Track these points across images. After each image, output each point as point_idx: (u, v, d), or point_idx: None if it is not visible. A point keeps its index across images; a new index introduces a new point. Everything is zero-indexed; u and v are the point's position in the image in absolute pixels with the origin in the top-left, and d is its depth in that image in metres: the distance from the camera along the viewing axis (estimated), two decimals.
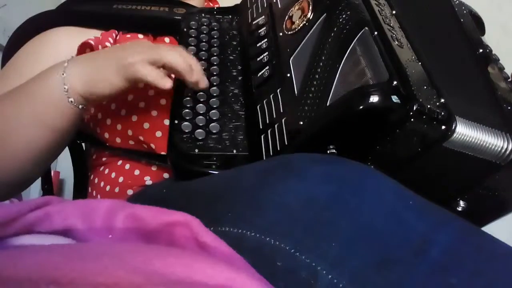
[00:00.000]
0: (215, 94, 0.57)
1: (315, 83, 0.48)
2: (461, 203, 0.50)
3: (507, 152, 0.45)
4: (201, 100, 0.56)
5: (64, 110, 0.53)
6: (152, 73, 0.51)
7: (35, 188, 0.73)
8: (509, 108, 0.52)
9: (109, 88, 0.52)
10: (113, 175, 0.62)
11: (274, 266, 0.33)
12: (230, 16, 0.69)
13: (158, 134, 0.59)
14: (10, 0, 1.36)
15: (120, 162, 0.62)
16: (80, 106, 0.53)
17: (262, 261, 0.34)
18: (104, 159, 0.64)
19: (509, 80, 0.59)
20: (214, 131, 0.53)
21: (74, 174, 0.73)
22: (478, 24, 0.67)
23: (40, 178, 0.70)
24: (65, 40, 0.63)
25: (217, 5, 0.85)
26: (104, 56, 0.54)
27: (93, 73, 0.52)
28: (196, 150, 0.51)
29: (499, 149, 0.45)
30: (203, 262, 0.29)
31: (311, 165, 0.40)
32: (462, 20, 0.61)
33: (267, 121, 0.51)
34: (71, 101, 0.52)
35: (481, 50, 0.58)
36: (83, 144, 0.73)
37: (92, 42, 0.62)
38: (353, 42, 0.47)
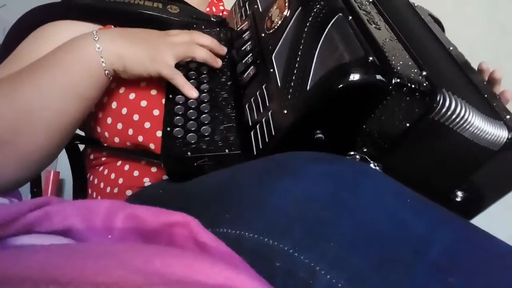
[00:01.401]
0: (205, 100, 0.59)
1: (295, 71, 0.48)
2: (459, 193, 0.50)
3: (503, 138, 0.46)
4: (192, 106, 0.58)
5: (98, 81, 0.56)
6: (181, 79, 0.58)
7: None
8: (489, 96, 0.53)
9: (143, 71, 0.57)
10: (112, 176, 0.62)
11: (273, 267, 0.33)
12: (217, 29, 0.71)
13: (159, 133, 0.59)
14: (10, 0, 1.36)
15: (119, 163, 0.62)
16: (111, 78, 0.58)
17: (261, 262, 0.34)
18: (103, 159, 0.64)
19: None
20: (206, 134, 0.54)
21: (72, 175, 0.73)
22: (440, 26, 0.68)
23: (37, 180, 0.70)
24: (66, 33, 0.63)
25: (221, 4, 0.85)
26: (139, 38, 0.59)
27: (129, 53, 0.57)
28: (189, 153, 0.52)
29: (498, 136, 0.46)
30: (203, 262, 0.29)
31: (308, 165, 0.40)
32: (429, 24, 0.63)
33: (256, 117, 0.52)
34: (107, 73, 0.56)
35: (451, 48, 0.59)
36: (80, 146, 0.73)
37: None
38: (328, 28, 0.47)
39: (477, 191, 0.52)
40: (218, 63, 0.63)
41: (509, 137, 0.46)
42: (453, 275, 0.34)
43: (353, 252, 0.34)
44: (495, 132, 0.46)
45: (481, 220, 0.50)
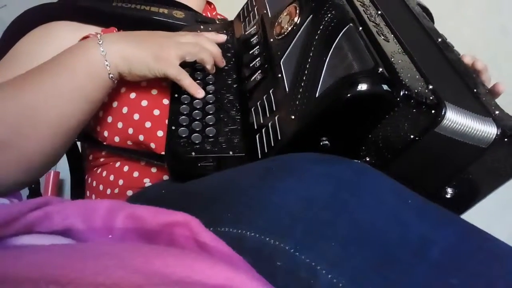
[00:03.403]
0: (211, 101, 0.59)
1: (304, 78, 0.49)
2: (449, 190, 0.51)
3: (492, 136, 0.46)
4: (197, 107, 0.58)
5: (103, 84, 0.56)
6: (187, 79, 0.57)
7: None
8: (478, 91, 0.53)
9: (147, 72, 0.57)
10: (111, 177, 0.62)
11: (274, 266, 0.33)
12: (224, 31, 0.71)
13: (160, 133, 0.59)
14: (10, 0, 1.36)
15: (118, 164, 0.62)
16: (116, 81, 0.57)
17: (262, 261, 0.34)
18: (101, 159, 0.64)
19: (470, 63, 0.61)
20: (210, 135, 0.54)
21: (70, 173, 0.73)
22: (427, 13, 0.69)
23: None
24: (67, 34, 0.63)
25: (215, 12, 0.85)
26: (143, 39, 0.58)
27: (133, 54, 0.56)
28: (193, 153, 0.52)
29: (486, 134, 0.46)
30: (203, 262, 0.29)
31: (310, 165, 0.40)
32: (416, 13, 0.63)
33: (261, 121, 0.52)
34: (111, 77, 0.56)
35: (439, 40, 0.60)
36: (78, 145, 0.73)
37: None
38: (338, 37, 0.47)
39: (467, 187, 0.53)
40: (213, 70, 0.62)
41: (498, 133, 0.46)
42: (454, 276, 0.34)
43: (354, 252, 0.34)
44: (485, 129, 0.46)
45: (481, 220, 0.50)
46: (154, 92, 0.61)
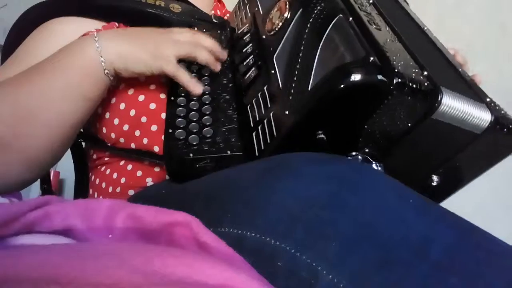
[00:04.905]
0: (207, 102, 0.59)
1: (296, 72, 0.48)
2: (435, 178, 0.50)
3: (486, 122, 0.46)
4: (194, 108, 0.58)
5: (99, 81, 0.56)
6: (185, 75, 0.57)
7: (35, 188, 0.73)
8: (469, 78, 0.53)
9: (144, 68, 0.57)
10: (114, 175, 0.62)
11: (274, 266, 0.33)
12: (218, 32, 0.71)
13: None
14: (10, 0, 1.36)
15: (122, 163, 0.62)
16: (112, 78, 0.57)
17: (262, 262, 0.34)
18: (106, 159, 0.64)
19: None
20: (207, 136, 0.55)
21: (75, 173, 0.73)
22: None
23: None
24: (68, 31, 0.63)
25: (224, 9, 0.85)
26: (140, 36, 0.58)
27: (130, 51, 0.56)
28: (191, 155, 0.53)
29: (481, 120, 0.46)
30: (203, 262, 0.29)
31: (310, 165, 0.40)
32: (401, 1, 0.63)
33: (257, 118, 0.52)
34: (107, 73, 0.56)
35: (425, 28, 0.59)
36: (83, 144, 0.73)
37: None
38: (328, 29, 0.47)
39: (453, 173, 0.52)
40: (217, 67, 0.62)
41: (492, 119, 0.46)
42: (454, 275, 0.34)
43: (355, 252, 0.34)
44: (480, 115, 0.46)
45: (481, 220, 0.50)
46: (162, 96, 0.61)
